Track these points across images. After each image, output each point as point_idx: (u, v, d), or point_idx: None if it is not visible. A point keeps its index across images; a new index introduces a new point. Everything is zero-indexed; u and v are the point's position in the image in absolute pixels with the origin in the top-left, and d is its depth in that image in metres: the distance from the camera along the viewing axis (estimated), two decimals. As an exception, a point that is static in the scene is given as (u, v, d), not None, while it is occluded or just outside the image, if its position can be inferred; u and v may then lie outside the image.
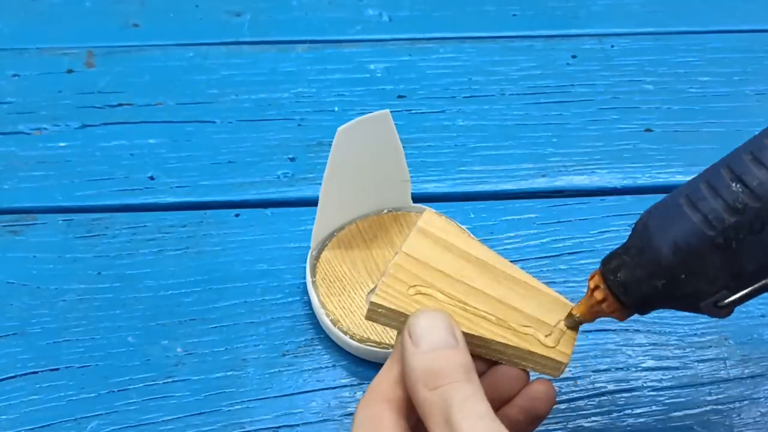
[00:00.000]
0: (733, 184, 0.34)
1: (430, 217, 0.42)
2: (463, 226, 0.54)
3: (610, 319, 0.50)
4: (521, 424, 0.40)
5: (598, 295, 0.38)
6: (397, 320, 0.38)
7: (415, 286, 0.39)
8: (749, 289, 0.35)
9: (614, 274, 0.37)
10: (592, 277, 0.39)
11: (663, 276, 0.36)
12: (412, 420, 0.36)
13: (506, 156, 0.62)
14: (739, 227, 0.34)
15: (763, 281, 0.35)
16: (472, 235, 0.42)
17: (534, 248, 0.56)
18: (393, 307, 0.38)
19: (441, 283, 0.39)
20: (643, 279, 0.37)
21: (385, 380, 0.37)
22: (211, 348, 0.50)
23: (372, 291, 0.38)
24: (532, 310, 0.40)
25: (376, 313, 0.39)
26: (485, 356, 0.39)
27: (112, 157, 0.61)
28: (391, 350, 0.48)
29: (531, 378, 0.40)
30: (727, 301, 0.36)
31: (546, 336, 0.39)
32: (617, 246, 0.38)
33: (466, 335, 0.37)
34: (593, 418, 0.47)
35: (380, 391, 0.36)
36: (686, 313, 0.51)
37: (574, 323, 0.40)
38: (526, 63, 0.70)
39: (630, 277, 0.37)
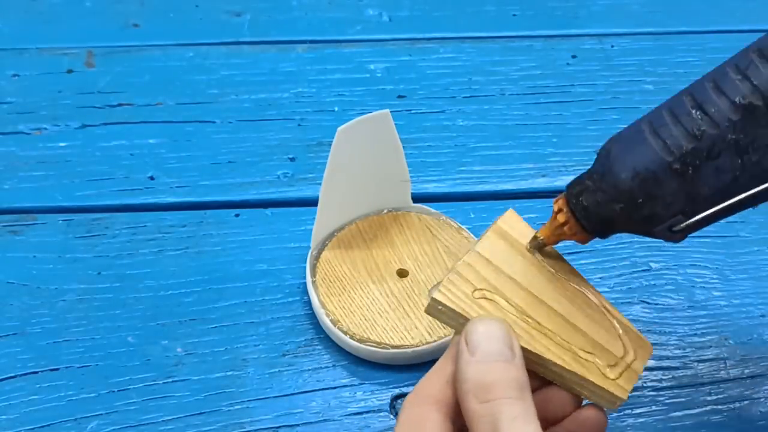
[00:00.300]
0: (694, 111, 0.35)
1: (510, 218, 0.41)
2: (464, 227, 0.54)
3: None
4: None
5: (561, 218, 0.39)
6: (456, 320, 0.37)
7: (480, 289, 0.38)
8: (703, 214, 0.36)
9: (577, 198, 0.38)
10: (556, 201, 0.39)
11: (621, 200, 0.37)
12: (458, 423, 0.35)
13: (506, 156, 0.62)
14: (696, 153, 0.35)
15: (717, 206, 0.36)
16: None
17: (534, 248, 0.56)
18: (453, 306, 0.37)
19: (507, 291, 0.38)
20: (602, 203, 0.37)
21: (435, 380, 0.36)
22: (211, 348, 0.50)
23: (436, 285, 0.38)
24: (598, 336, 0.39)
25: (435, 309, 0.38)
26: (540, 374, 0.38)
27: (112, 157, 0.61)
28: (390, 350, 0.48)
29: (584, 402, 0.39)
30: (681, 225, 0.36)
31: (609, 366, 0.38)
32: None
33: (523, 350, 0.36)
34: (593, 418, 0.47)
35: (429, 392, 0.36)
36: (686, 313, 0.52)
37: (537, 245, 0.40)
38: (526, 63, 0.70)
39: (591, 200, 0.38)
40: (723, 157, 0.35)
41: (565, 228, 0.39)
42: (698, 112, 0.35)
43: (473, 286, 0.38)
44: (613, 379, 0.38)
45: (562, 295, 0.39)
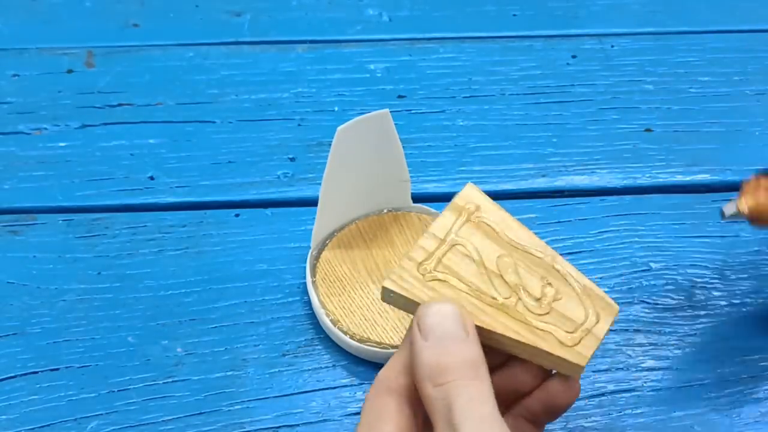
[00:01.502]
0: None
1: (468, 193, 0.40)
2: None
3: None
4: (539, 416, 0.38)
5: (765, 182, 0.42)
6: (410, 307, 0.37)
7: (432, 271, 0.37)
8: None
9: None
10: (749, 182, 0.43)
11: None
12: (422, 409, 0.35)
13: (506, 156, 0.62)
14: None
15: None
16: (511, 216, 0.40)
17: (534, 248, 0.56)
18: (404, 293, 0.37)
19: (462, 269, 0.38)
20: None
21: (392, 369, 0.36)
22: (211, 348, 0.50)
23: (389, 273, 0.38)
24: (557, 304, 0.38)
25: (389, 297, 0.37)
26: (500, 349, 0.37)
27: (112, 157, 0.61)
28: (391, 350, 0.48)
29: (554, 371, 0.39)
30: None
31: (567, 333, 0.37)
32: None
33: (479, 328, 0.36)
34: (593, 418, 0.47)
35: (385, 382, 0.36)
36: (686, 313, 0.52)
37: (736, 217, 0.42)
38: (526, 63, 0.70)
39: None
40: None
41: None
42: None
43: (425, 269, 0.38)
44: (570, 347, 0.37)
45: (521, 265, 0.39)
